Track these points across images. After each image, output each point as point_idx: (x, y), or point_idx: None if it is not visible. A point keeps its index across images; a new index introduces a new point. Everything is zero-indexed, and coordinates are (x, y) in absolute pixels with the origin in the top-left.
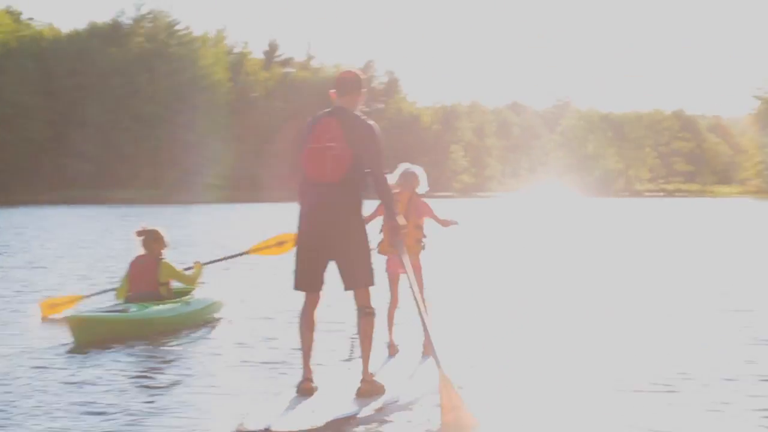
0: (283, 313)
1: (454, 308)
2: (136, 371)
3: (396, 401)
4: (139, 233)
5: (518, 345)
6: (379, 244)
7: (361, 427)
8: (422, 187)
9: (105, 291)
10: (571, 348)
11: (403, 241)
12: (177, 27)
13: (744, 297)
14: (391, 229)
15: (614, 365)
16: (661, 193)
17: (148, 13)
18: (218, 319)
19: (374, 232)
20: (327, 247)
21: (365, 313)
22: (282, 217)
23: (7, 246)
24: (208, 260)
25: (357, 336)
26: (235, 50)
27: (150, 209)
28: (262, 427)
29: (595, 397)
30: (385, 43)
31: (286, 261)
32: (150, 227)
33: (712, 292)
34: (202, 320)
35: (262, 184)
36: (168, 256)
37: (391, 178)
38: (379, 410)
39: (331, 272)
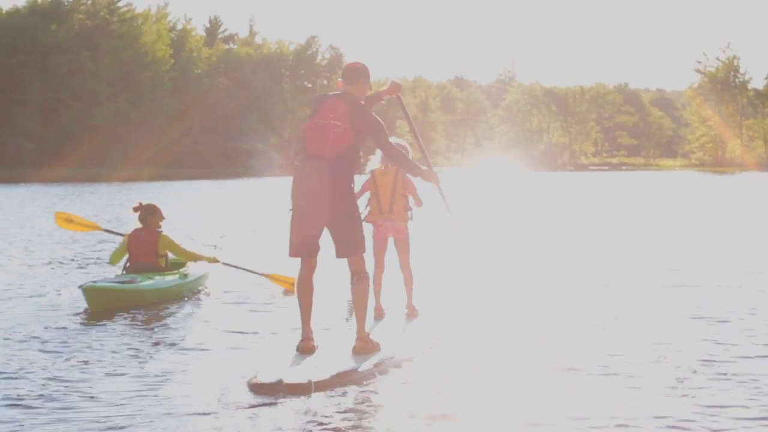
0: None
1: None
2: (149, 336)
3: (392, 357)
4: (136, 209)
5: (459, 321)
6: (368, 214)
7: (364, 381)
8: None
9: (119, 234)
10: (510, 329)
11: (401, 205)
12: (119, 4)
13: (688, 273)
14: (425, 176)
15: (552, 346)
16: (606, 167)
17: None
18: (209, 289)
19: (362, 205)
20: (321, 216)
21: (360, 277)
22: (224, 195)
23: None
24: (226, 261)
25: (352, 299)
26: (178, 27)
27: (92, 187)
28: (274, 380)
29: (530, 381)
30: (328, 19)
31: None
32: (146, 203)
33: (656, 267)
34: (197, 290)
35: (205, 161)
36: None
37: (377, 156)
38: (377, 366)
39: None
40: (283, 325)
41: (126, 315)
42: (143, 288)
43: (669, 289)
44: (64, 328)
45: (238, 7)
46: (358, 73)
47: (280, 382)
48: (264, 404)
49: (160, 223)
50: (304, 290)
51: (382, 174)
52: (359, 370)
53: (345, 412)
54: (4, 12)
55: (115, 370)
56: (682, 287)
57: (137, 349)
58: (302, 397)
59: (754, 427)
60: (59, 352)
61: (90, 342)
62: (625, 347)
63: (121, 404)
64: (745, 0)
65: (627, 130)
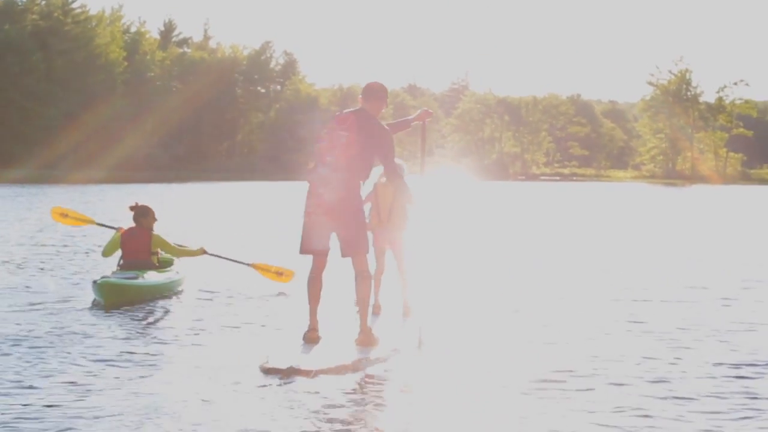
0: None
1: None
2: (160, 325)
3: (394, 349)
4: (132, 208)
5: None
6: (369, 223)
7: (368, 368)
8: (405, 177)
9: (111, 227)
10: (455, 341)
11: (398, 216)
12: (73, 5)
13: (636, 286)
14: (410, 199)
15: (497, 359)
16: (557, 177)
17: None
18: (202, 285)
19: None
20: (330, 219)
21: (363, 276)
22: (175, 199)
23: None
24: (212, 252)
25: (355, 296)
26: (132, 29)
27: (44, 189)
28: (285, 366)
29: (474, 396)
30: (283, 24)
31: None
32: (141, 204)
33: (602, 279)
34: (184, 286)
35: (158, 165)
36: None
37: (378, 170)
38: (378, 357)
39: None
40: (285, 318)
41: (135, 309)
42: (152, 284)
43: (616, 302)
44: (77, 321)
45: (193, 10)
46: (374, 92)
47: (289, 369)
48: (274, 388)
49: (153, 223)
50: (313, 285)
51: (384, 186)
52: (361, 360)
53: (348, 396)
54: None
55: (131, 358)
56: (630, 301)
57: (148, 336)
58: (309, 383)
59: None
60: (74, 343)
61: (110, 331)
62: (564, 361)
63: (145, 394)
64: (699, 14)
65: (579, 141)
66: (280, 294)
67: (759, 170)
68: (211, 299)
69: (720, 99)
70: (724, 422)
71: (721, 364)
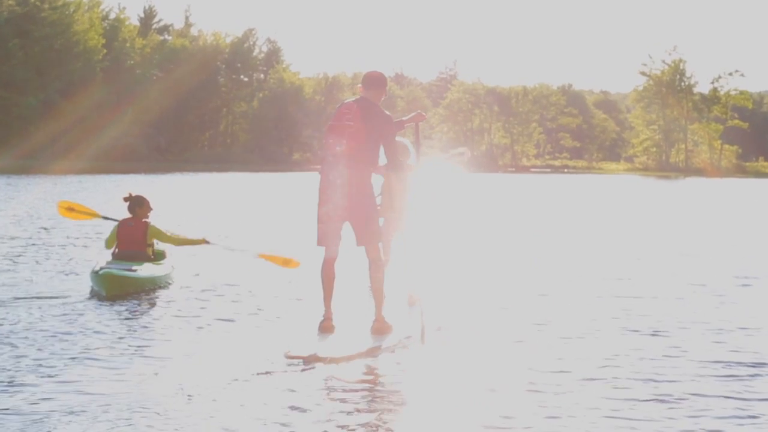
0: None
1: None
2: (169, 316)
3: (408, 337)
4: (126, 199)
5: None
6: (380, 209)
7: (387, 355)
8: (411, 159)
9: (115, 220)
10: (448, 339)
11: (400, 198)
12: None
13: (627, 282)
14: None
15: (489, 359)
16: (548, 169)
17: None
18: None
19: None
20: (342, 209)
21: (377, 265)
22: (157, 190)
23: None
24: (214, 243)
25: (370, 284)
26: (111, 16)
27: (22, 180)
28: (307, 354)
29: (460, 397)
30: (266, 11)
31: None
32: (136, 194)
33: (594, 276)
34: (178, 279)
35: (138, 155)
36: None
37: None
38: (396, 344)
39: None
40: (300, 308)
41: (134, 299)
42: (152, 276)
43: (609, 299)
44: (85, 311)
45: None
46: (374, 80)
47: (311, 356)
48: (296, 375)
49: (149, 214)
50: (327, 275)
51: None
52: (382, 346)
53: (364, 382)
54: None
55: (147, 353)
56: (626, 297)
57: (162, 328)
58: (327, 369)
59: None
60: (86, 334)
61: (122, 323)
62: (556, 359)
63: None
64: (693, 4)
65: (570, 132)
66: (289, 283)
67: (755, 163)
68: (217, 292)
69: (715, 90)
70: (718, 421)
71: (715, 362)
